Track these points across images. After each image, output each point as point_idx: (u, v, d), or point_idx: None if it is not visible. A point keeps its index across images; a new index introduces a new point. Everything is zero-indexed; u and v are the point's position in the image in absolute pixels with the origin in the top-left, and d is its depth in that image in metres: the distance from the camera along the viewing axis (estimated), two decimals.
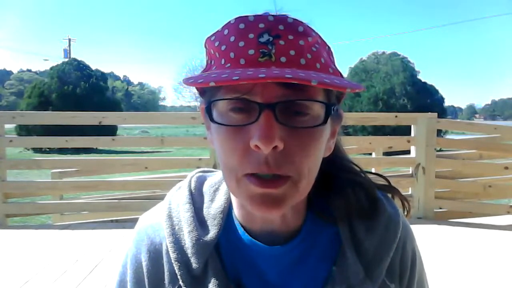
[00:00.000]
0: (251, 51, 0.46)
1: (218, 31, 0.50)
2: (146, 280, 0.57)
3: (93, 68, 23.22)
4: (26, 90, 22.72)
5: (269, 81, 0.43)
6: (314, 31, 0.49)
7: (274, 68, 0.44)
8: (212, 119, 0.48)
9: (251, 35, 0.46)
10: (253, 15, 0.48)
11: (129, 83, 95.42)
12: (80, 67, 21.90)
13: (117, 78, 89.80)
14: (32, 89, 20.82)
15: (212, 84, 0.42)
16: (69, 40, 45.75)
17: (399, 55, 24.08)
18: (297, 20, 0.48)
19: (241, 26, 0.47)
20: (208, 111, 0.48)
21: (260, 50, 0.45)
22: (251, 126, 0.45)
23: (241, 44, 0.46)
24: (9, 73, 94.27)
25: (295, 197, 0.48)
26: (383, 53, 25.17)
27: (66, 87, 20.29)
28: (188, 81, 0.45)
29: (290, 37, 0.46)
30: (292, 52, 0.46)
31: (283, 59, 0.45)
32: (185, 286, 0.54)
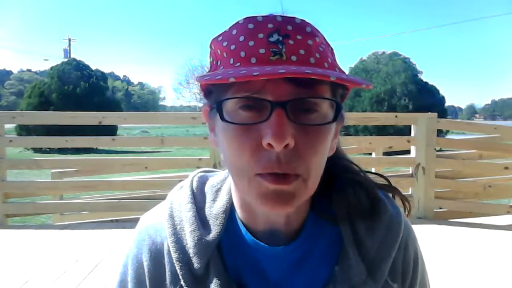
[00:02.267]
0: (262, 50, 0.46)
1: (225, 31, 0.50)
2: (147, 280, 0.57)
3: (93, 68, 23.20)
4: (26, 90, 22.69)
5: (280, 80, 0.44)
6: (319, 32, 0.50)
7: (288, 66, 0.44)
8: (222, 118, 0.47)
9: (260, 35, 0.47)
10: (261, 16, 0.48)
11: (129, 83, 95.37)
12: (80, 67, 21.88)
13: (117, 78, 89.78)
14: (32, 89, 20.79)
15: (232, 80, 0.42)
16: (69, 40, 45.80)
17: (400, 55, 24.10)
18: (304, 21, 0.48)
19: (250, 26, 0.47)
20: (219, 110, 0.48)
21: (271, 49, 0.46)
22: (261, 125, 0.45)
23: (251, 43, 0.46)
24: (9, 73, 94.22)
25: (305, 194, 0.49)
26: (383, 53, 25.19)
27: (66, 87, 20.27)
28: (204, 78, 0.46)
29: (299, 37, 0.47)
30: (302, 51, 0.46)
31: (293, 58, 0.46)
32: (186, 286, 0.54)
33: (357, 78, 0.46)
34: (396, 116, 4.64)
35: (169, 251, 0.56)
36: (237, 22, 0.49)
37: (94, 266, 2.83)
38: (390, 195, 0.63)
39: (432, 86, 22.17)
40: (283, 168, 0.45)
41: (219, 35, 0.50)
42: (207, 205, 0.60)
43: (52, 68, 22.37)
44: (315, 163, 0.48)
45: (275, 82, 0.45)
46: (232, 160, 0.48)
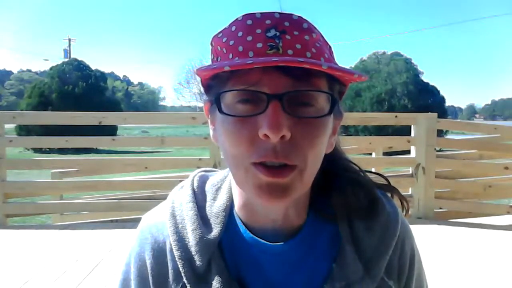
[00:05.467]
0: (259, 45, 0.47)
1: (225, 28, 0.51)
2: (150, 278, 0.58)
3: (93, 68, 23.19)
4: (26, 90, 22.71)
5: (276, 73, 0.46)
6: (316, 28, 0.51)
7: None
8: (220, 110, 0.49)
9: (258, 30, 0.48)
10: (260, 13, 0.49)
11: (129, 83, 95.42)
12: (80, 67, 21.87)
13: (117, 78, 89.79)
14: (32, 89, 20.80)
15: (227, 68, 0.44)
16: (69, 40, 45.73)
17: (402, 55, 24.12)
18: (301, 17, 0.50)
19: (249, 22, 0.49)
20: (217, 102, 0.49)
21: (268, 44, 0.47)
22: (258, 117, 0.47)
23: (249, 38, 0.48)
24: (9, 73, 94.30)
25: (300, 186, 0.50)
26: (384, 53, 25.22)
27: (66, 87, 20.26)
28: (202, 69, 0.47)
29: (296, 32, 0.48)
30: (298, 46, 0.48)
31: (290, 51, 0.47)
32: (189, 284, 0.55)
33: (350, 69, 0.47)
34: (396, 116, 4.63)
35: (171, 249, 0.57)
36: (237, 19, 0.51)
37: (94, 266, 2.83)
38: (389, 194, 0.64)
39: (433, 86, 22.18)
40: (280, 158, 0.46)
41: (219, 32, 0.52)
42: (207, 204, 0.61)
43: (52, 68, 22.37)
44: (312, 156, 0.49)
45: (271, 75, 0.46)
46: (230, 150, 0.49)
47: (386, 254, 0.57)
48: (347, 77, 0.49)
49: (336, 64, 0.52)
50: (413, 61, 23.78)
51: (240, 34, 0.49)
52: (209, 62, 0.55)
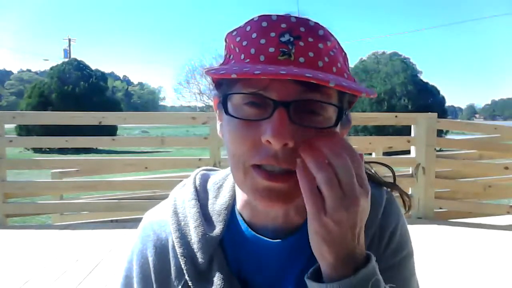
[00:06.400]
0: (272, 49, 0.47)
1: (240, 27, 0.51)
2: (152, 275, 0.58)
3: (93, 68, 23.19)
4: (26, 90, 22.71)
5: (286, 80, 0.45)
6: (333, 36, 0.50)
7: (293, 67, 0.45)
8: (226, 112, 0.49)
9: (272, 34, 0.47)
10: (276, 15, 0.49)
11: (129, 83, 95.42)
12: (80, 67, 21.86)
13: (117, 78, 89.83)
14: (32, 89, 20.80)
15: (234, 76, 0.43)
16: (69, 40, 45.69)
17: (400, 55, 24.14)
18: (318, 24, 0.49)
19: (264, 24, 0.48)
20: (224, 103, 0.49)
21: (280, 49, 0.47)
22: (263, 122, 0.46)
23: (263, 41, 0.47)
24: (9, 73, 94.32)
25: (300, 194, 0.48)
26: (383, 53, 25.23)
27: (66, 87, 20.26)
28: (210, 72, 0.47)
29: (310, 39, 0.47)
30: (310, 54, 0.47)
31: (301, 59, 0.46)
32: (190, 281, 0.55)
33: (358, 86, 0.46)
34: (396, 116, 4.64)
35: (173, 246, 0.58)
36: (252, 19, 0.50)
37: (94, 266, 2.83)
38: (389, 189, 0.64)
39: (432, 86, 22.19)
40: (280, 163, 0.46)
41: (233, 30, 0.51)
42: (209, 201, 0.62)
43: (52, 68, 22.36)
44: None
45: (281, 81, 0.45)
46: (232, 149, 0.49)
47: (367, 236, 0.57)
48: (354, 94, 0.48)
49: (348, 75, 0.51)
50: (411, 60, 23.83)
51: (254, 35, 0.48)
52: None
